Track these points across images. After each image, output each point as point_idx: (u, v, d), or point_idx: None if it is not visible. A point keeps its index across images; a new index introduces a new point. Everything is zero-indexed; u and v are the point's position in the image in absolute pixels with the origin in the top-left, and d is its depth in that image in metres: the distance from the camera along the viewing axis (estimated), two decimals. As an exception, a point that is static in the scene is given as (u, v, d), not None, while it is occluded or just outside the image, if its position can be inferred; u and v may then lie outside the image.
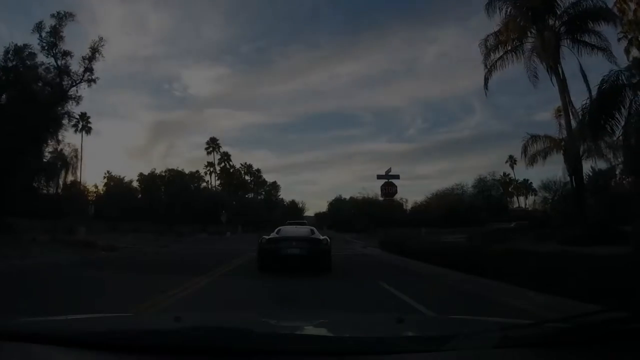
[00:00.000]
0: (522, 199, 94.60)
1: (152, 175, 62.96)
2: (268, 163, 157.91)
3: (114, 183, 62.56)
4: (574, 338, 1.46)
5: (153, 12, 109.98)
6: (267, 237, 11.79)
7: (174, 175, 62.82)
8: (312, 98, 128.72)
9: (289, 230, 13.13)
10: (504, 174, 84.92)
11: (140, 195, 61.82)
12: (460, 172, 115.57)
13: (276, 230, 12.83)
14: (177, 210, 56.25)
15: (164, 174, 63.21)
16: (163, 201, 59.43)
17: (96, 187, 61.68)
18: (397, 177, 19.95)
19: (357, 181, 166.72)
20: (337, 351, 1.43)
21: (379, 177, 19.68)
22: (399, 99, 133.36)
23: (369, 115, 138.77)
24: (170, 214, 55.95)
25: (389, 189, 19.42)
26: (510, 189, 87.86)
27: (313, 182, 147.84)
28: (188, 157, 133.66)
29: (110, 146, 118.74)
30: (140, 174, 63.36)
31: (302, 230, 13.38)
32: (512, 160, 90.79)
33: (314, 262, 10.97)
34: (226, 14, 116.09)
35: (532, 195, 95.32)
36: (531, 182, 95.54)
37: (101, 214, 56.99)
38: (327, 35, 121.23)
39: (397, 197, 65.26)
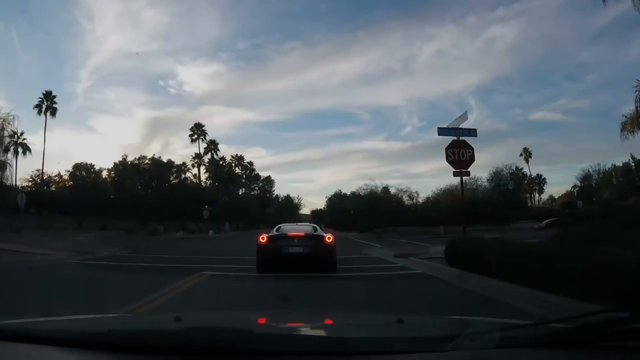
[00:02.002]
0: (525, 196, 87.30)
1: (124, 163, 54.17)
2: (263, 161, 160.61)
3: (83, 173, 53.78)
4: (574, 338, 1.43)
5: (148, 8, 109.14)
6: (266, 234, 11.01)
7: (149, 164, 53.89)
8: (309, 96, 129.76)
9: (290, 227, 12.18)
10: (517, 168, 77.52)
11: (109, 187, 53.02)
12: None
13: (276, 227, 12.04)
14: (152, 204, 48.09)
15: (136, 161, 54.38)
16: (137, 194, 51.03)
17: (60, 176, 52.86)
18: (473, 132, 11.52)
19: (354, 179, 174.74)
20: (338, 351, 1.41)
21: (441, 131, 11.46)
22: (396, 97, 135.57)
23: (365, 113, 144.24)
24: (145, 209, 47.83)
25: (461, 153, 10.90)
26: (523, 184, 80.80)
27: (309, 180, 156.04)
28: (182, 154, 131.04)
29: (104, 143, 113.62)
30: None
31: (304, 227, 12.35)
32: (527, 154, 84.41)
33: (318, 262, 10.19)
34: (222, 10, 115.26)
35: (541, 192, 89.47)
36: (544, 178, 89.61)
37: (65, 209, 49.21)
38: (324, 32, 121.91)
39: (407, 190, 58.19)
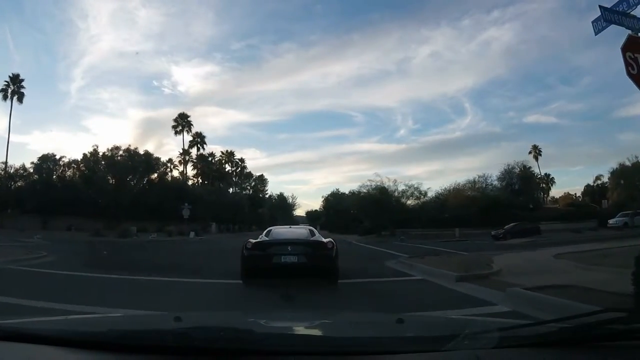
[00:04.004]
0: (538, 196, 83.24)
1: (95, 154, 47.70)
2: (257, 162, 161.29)
3: (50, 166, 47.36)
4: (573, 338, 1.43)
5: (142, 8, 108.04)
6: (253, 240, 9.39)
7: (124, 156, 47.42)
8: (303, 97, 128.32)
9: (282, 232, 10.47)
10: (524, 166, 72.64)
11: (78, 182, 46.48)
12: (450, 174, 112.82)
13: (265, 231, 10.41)
14: (126, 202, 42.08)
15: (108, 152, 47.87)
16: (109, 190, 44.85)
17: (24, 169, 46.39)
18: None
19: (348, 181, 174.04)
20: (338, 351, 1.40)
21: (606, 16, 5.46)
22: (391, 99, 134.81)
23: (360, 115, 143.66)
24: (119, 207, 41.83)
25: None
26: (534, 183, 75.97)
27: (303, 182, 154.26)
28: (176, 155, 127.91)
29: (96, 143, 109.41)
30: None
31: (298, 231, 10.68)
32: (536, 151, 79.50)
33: (317, 273, 8.75)
34: (216, 10, 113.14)
35: (548, 192, 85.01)
36: (553, 177, 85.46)
37: (30, 207, 43.19)
38: (319, 34, 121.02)
39: (417, 187, 52.01)
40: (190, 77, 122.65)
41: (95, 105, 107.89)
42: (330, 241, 9.33)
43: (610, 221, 38.29)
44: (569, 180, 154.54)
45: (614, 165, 63.75)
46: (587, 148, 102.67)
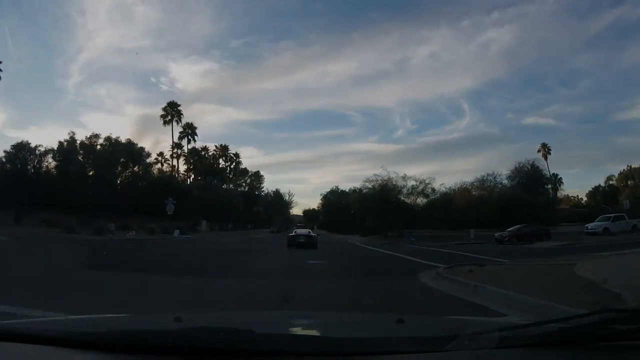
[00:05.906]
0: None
1: (72, 143, 43.56)
2: (254, 161, 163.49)
3: (25, 156, 43.30)
4: (573, 338, 1.41)
5: (140, 4, 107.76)
6: (290, 234, 26.79)
7: (105, 145, 43.30)
8: (301, 96, 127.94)
9: (299, 231, 29.12)
10: (533, 165, 69.22)
11: (54, 173, 42.42)
12: (447, 175, 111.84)
13: (293, 231, 29.31)
14: (106, 196, 38.23)
15: (86, 141, 43.65)
16: (87, 182, 40.91)
17: (-1, 158, 42.16)
18: None
19: (345, 181, 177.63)
20: (338, 352, 1.40)
21: None
22: (389, 99, 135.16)
23: (357, 115, 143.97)
24: (97, 202, 37.98)
25: None
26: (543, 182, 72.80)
27: (300, 181, 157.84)
28: (168, 150, 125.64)
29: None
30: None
31: (305, 230, 30.42)
32: (545, 150, 76.23)
33: (310, 245, 23.39)
34: (215, 7, 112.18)
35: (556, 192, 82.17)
36: (561, 177, 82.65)
37: (2, 200, 39.38)
38: (318, 32, 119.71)
39: (429, 183, 48.34)
40: (188, 75, 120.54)
41: (92, 101, 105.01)
42: (315, 235, 26.76)
43: (589, 226, 33.66)
44: (566, 184, 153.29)
45: (615, 168, 61.27)
46: (585, 151, 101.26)
